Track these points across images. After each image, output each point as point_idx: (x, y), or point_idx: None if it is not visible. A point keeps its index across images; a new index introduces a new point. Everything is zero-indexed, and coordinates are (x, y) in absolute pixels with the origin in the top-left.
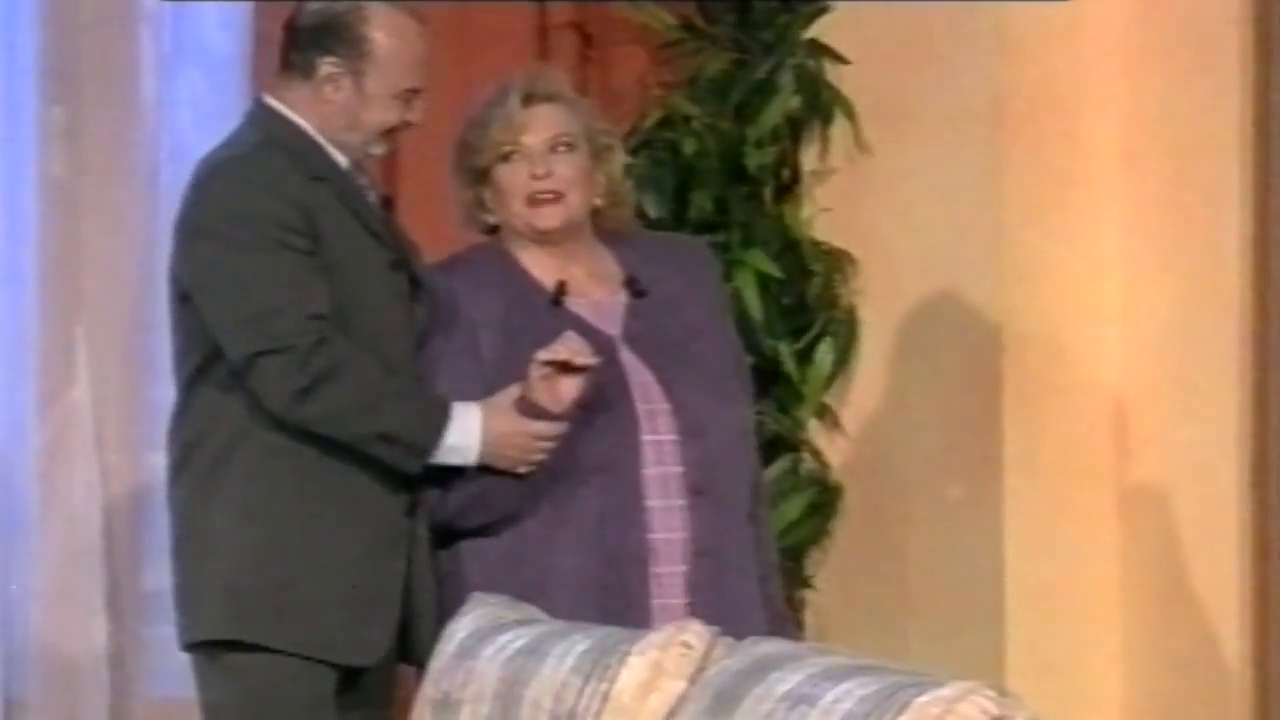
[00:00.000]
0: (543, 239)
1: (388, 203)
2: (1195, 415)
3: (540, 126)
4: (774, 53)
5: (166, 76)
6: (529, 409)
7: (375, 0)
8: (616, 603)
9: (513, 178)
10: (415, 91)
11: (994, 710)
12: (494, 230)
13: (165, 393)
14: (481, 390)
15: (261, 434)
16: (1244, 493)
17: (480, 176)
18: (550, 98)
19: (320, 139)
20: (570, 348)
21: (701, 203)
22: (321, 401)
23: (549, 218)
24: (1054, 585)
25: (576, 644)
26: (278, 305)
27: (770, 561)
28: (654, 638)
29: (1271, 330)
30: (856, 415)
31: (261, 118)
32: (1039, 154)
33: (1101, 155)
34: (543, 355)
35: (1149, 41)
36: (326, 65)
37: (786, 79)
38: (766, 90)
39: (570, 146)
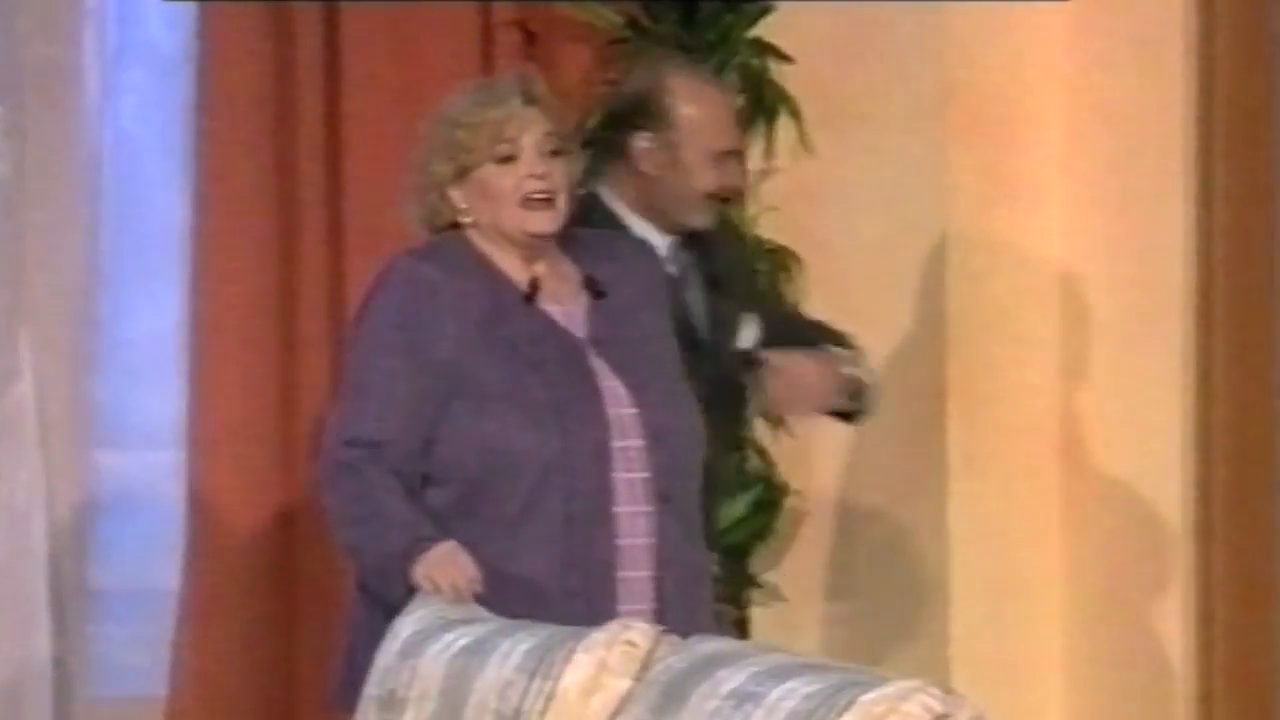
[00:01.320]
0: (530, 243)
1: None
2: (1138, 415)
3: (537, 128)
4: (718, 52)
5: (110, 74)
6: None
7: (674, 74)
8: (581, 608)
9: (505, 179)
10: (729, 153)
11: (938, 708)
12: (450, 228)
13: (109, 391)
14: (406, 396)
15: None
16: (1187, 492)
17: (460, 174)
18: (542, 100)
19: (633, 220)
20: (455, 587)
21: None
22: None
23: (544, 222)
24: (999, 584)
25: (521, 642)
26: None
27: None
28: (599, 636)
29: (1214, 329)
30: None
31: (585, 207)
32: (983, 153)
33: (1045, 154)
34: (420, 578)
35: (1092, 41)
36: (640, 141)
37: (731, 78)
38: None
39: (558, 151)
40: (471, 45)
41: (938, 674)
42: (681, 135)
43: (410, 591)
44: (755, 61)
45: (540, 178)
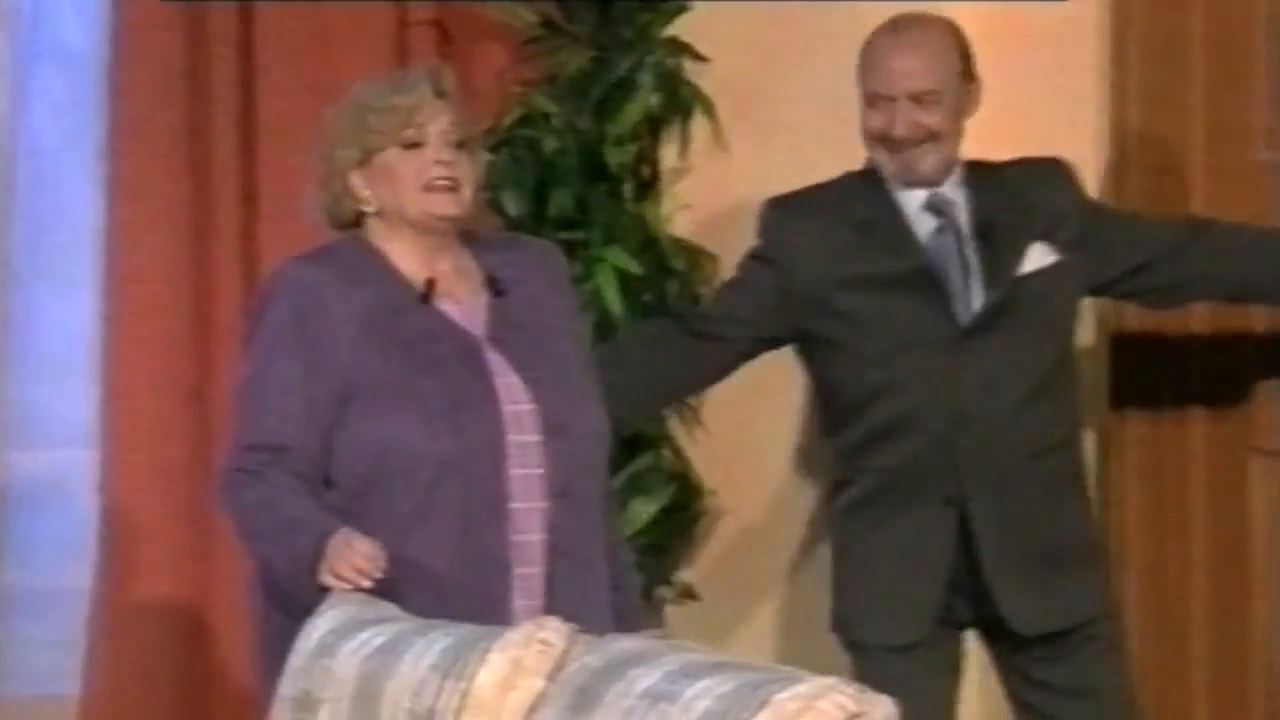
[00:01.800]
0: (432, 229)
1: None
2: None
3: (444, 118)
4: (634, 51)
5: (24, 73)
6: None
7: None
8: (477, 605)
9: (410, 165)
10: (881, 97)
11: (852, 707)
12: (353, 225)
13: (21, 389)
14: (303, 399)
15: None
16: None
17: (365, 158)
18: (450, 94)
19: (893, 183)
20: (359, 571)
21: (561, 200)
22: None
23: (447, 205)
24: None
25: (436, 641)
26: None
27: (626, 559)
28: (513, 635)
29: (1124, 327)
30: (717, 411)
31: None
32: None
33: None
34: (326, 576)
35: (1003, 45)
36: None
37: (646, 77)
38: (626, 88)
39: (463, 145)
40: (386, 44)
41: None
42: (858, 80)
43: (325, 592)
44: (671, 60)
45: (445, 164)
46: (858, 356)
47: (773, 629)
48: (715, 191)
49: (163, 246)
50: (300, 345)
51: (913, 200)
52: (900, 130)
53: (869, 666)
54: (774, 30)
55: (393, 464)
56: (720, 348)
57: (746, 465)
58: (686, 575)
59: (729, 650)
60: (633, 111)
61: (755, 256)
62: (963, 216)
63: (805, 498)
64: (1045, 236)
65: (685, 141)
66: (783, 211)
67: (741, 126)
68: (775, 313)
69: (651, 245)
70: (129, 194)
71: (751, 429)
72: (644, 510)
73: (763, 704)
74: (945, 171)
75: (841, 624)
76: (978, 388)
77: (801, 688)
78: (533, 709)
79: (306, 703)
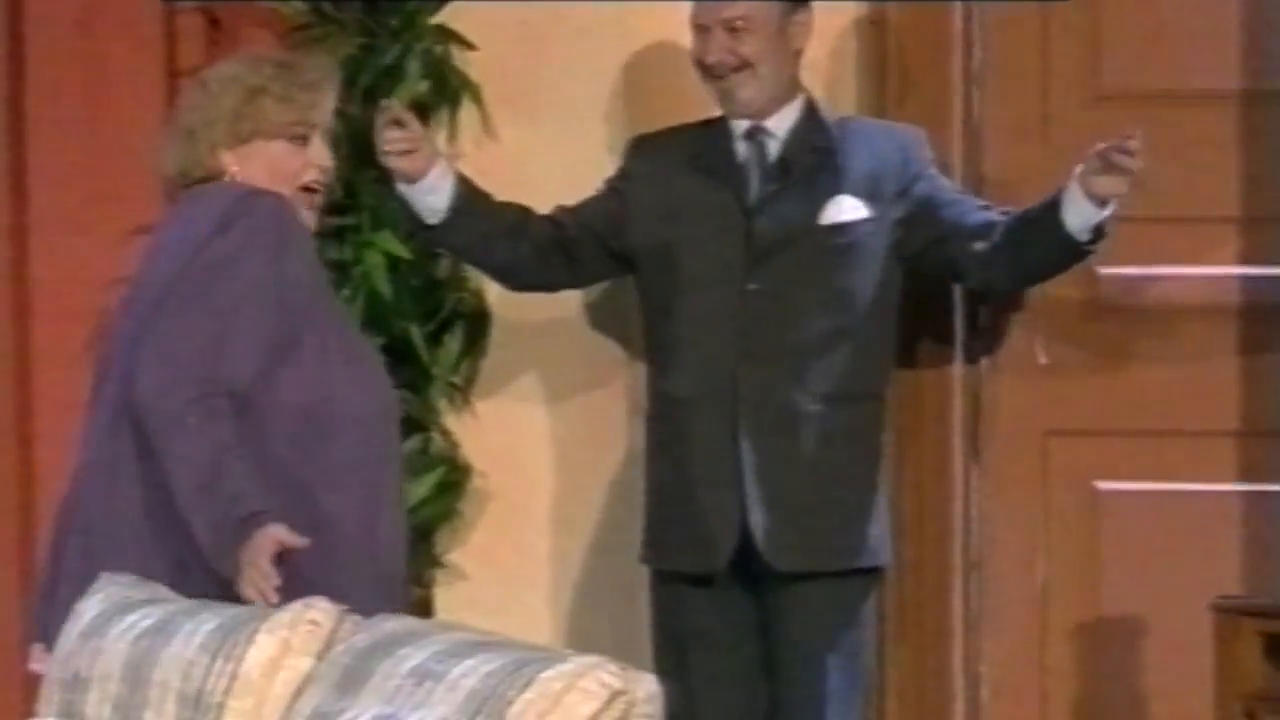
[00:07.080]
0: None
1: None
2: None
3: (329, 117)
4: (402, 38)
5: None
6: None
7: None
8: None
9: (292, 161)
10: (697, 25)
11: (616, 684)
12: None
13: None
14: (264, 347)
15: None
16: None
17: (245, 139)
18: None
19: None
20: (260, 592)
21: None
22: None
23: (311, 221)
24: None
25: (205, 622)
26: None
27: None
28: (282, 616)
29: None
30: (486, 395)
31: None
32: None
33: None
34: (247, 590)
35: None
36: None
37: (414, 64)
38: (394, 75)
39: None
40: (154, 30)
41: (623, 652)
42: None
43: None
44: (439, 48)
45: (323, 170)
46: (667, 283)
47: (542, 610)
48: (483, 178)
49: None
50: (274, 285)
51: (739, 132)
52: (712, 57)
53: (669, 597)
54: (540, 19)
55: (333, 412)
56: (569, 242)
57: (515, 447)
58: (455, 557)
59: (498, 631)
60: (401, 98)
61: (608, 182)
62: (774, 151)
63: (573, 481)
64: (858, 192)
65: (454, 129)
66: (637, 147)
67: (509, 114)
68: (611, 234)
69: None
70: None
71: (519, 411)
72: (413, 492)
73: (528, 682)
74: (773, 103)
75: (648, 554)
76: (765, 321)
77: (566, 666)
78: (301, 689)
79: (76, 684)
